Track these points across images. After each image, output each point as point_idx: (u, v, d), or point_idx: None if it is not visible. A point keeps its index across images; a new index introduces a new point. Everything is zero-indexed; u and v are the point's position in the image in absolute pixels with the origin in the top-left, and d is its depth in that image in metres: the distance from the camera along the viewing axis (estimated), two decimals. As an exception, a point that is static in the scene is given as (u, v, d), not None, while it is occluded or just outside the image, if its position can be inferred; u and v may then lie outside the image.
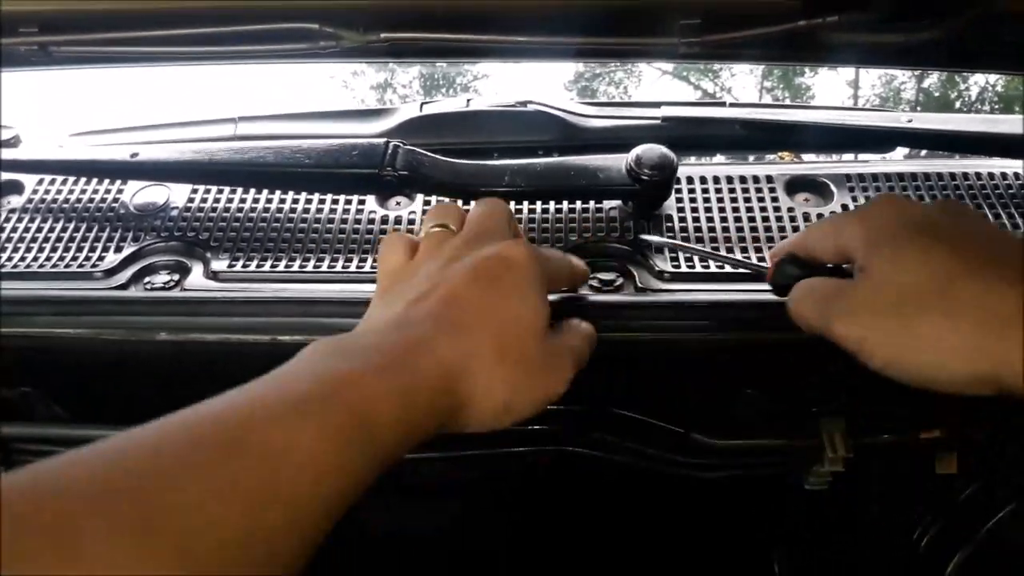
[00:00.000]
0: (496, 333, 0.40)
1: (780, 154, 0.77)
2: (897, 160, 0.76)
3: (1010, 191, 0.63)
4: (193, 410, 0.31)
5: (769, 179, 0.65)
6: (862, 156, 0.77)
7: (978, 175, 0.65)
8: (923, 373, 0.38)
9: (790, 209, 0.62)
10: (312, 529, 0.31)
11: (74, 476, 0.27)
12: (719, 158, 0.79)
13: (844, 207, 0.62)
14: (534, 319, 0.42)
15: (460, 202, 0.63)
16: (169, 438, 0.30)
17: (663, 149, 0.60)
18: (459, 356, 0.38)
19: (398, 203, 0.65)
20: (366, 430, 0.33)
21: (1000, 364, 0.36)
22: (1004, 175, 0.65)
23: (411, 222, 0.63)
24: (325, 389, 0.33)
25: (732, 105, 0.74)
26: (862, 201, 0.63)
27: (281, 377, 0.35)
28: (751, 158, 0.80)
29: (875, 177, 0.65)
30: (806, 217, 0.62)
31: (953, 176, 0.65)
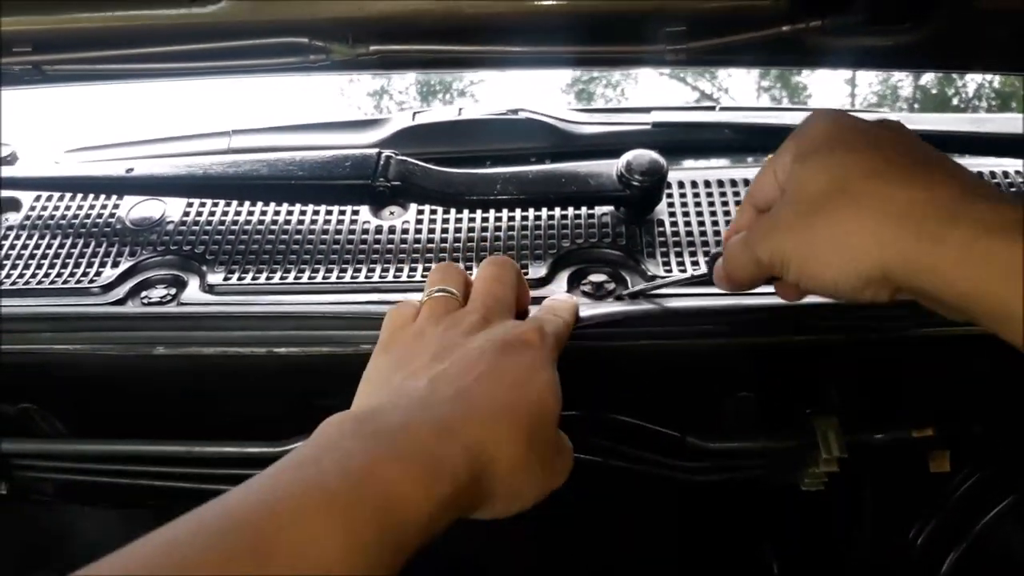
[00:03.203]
0: (524, 420, 0.38)
1: (770, 157, 0.77)
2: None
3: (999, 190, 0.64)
4: (220, 510, 0.30)
5: (760, 182, 0.65)
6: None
7: (967, 174, 0.65)
8: (825, 278, 0.38)
9: (780, 212, 0.63)
10: None
11: None
12: (710, 162, 0.79)
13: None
14: (554, 405, 0.41)
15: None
16: (203, 548, 0.29)
17: (653, 154, 0.61)
18: (488, 443, 0.37)
19: (391, 213, 0.66)
20: (392, 527, 0.32)
21: (890, 259, 0.36)
22: (993, 173, 0.65)
23: (404, 231, 0.64)
24: (351, 483, 0.32)
25: (722, 109, 0.75)
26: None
27: (306, 466, 0.33)
28: (747, 160, 0.80)
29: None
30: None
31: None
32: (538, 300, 0.55)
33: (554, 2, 0.58)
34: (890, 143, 0.39)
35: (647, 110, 0.74)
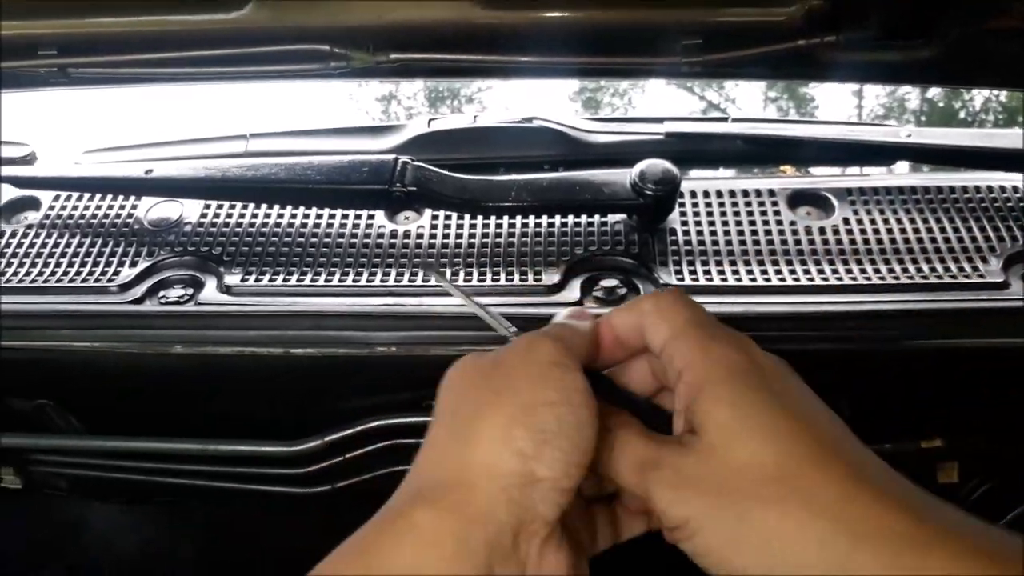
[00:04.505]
0: None
1: (782, 168, 0.78)
2: (898, 173, 0.77)
3: (1008, 204, 0.64)
4: None
5: (771, 193, 0.66)
6: (864, 169, 0.78)
7: (977, 188, 0.66)
8: (733, 567, 0.33)
9: (792, 223, 0.63)
10: None
11: None
12: (722, 172, 0.80)
13: (845, 220, 0.63)
14: None
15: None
16: None
17: (666, 164, 0.61)
18: None
19: (407, 217, 0.66)
20: None
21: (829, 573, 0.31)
22: (1003, 188, 0.66)
23: (419, 236, 0.64)
24: None
25: (734, 120, 0.75)
26: (863, 215, 0.64)
27: None
28: (754, 171, 0.81)
29: (876, 191, 0.66)
30: (807, 231, 0.63)
31: (952, 189, 0.66)
32: (548, 306, 0.56)
33: (571, 14, 0.59)
34: (806, 406, 0.36)
35: (660, 120, 0.75)
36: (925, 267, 0.59)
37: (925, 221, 0.63)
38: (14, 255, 0.65)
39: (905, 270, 0.59)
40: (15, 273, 0.63)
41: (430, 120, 0.78)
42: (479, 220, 0.65)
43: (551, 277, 0.60)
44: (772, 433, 0.33)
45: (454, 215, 0.65)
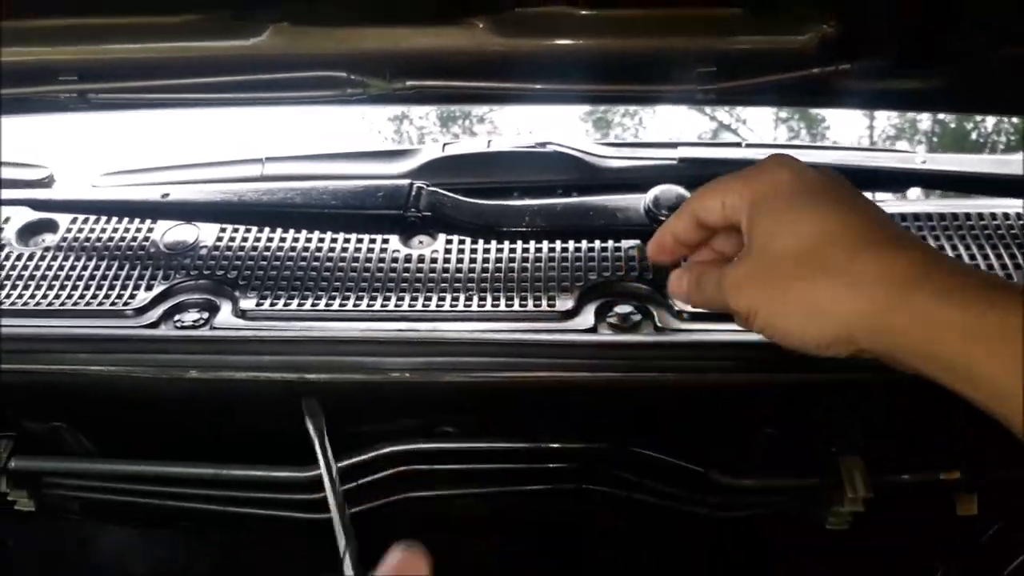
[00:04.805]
0: None
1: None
2: (912, 200, 0.76)
3: (1025, 231, 0.64)
4: None
5: (785, 219, 0.66)
6: (879, 195, 0.78)
7: (993, 215, 0.65)
8: (791, 334, 0.42)
9: (806, 249, 0.63)
10: None
11: None
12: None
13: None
14: None
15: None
16: None
17: (680, 190, 0.62)
18: None
19: (420, 242, 0.67)
20: None
21: (855, 324, 0.39)
22: (1019, 215, 0.65)
23: (433, 261, 0.64)
24: None
25: (748, 145, 0.75)
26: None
27: None
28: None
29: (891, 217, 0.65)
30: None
31: (968, 216, 0.65)
32: (562, 332, 0.55)
33: (585, 41, 0.59)
34: (842, 201, 0.43)
35: (674, 145, 0.75)
36: (942, 295, 0.59)
37: (940, 248, 0.63)
38: (31, 278, 0.65)
39: (922, 298, 0.59)
40: (32, 296, 0.63)
41: (444, 145, 0.79)
42: (493, 245, 0.65)
43: (565, 303, 0.60)
44: (806, 225, 0.41)
45: (468, 240, 0.66)
